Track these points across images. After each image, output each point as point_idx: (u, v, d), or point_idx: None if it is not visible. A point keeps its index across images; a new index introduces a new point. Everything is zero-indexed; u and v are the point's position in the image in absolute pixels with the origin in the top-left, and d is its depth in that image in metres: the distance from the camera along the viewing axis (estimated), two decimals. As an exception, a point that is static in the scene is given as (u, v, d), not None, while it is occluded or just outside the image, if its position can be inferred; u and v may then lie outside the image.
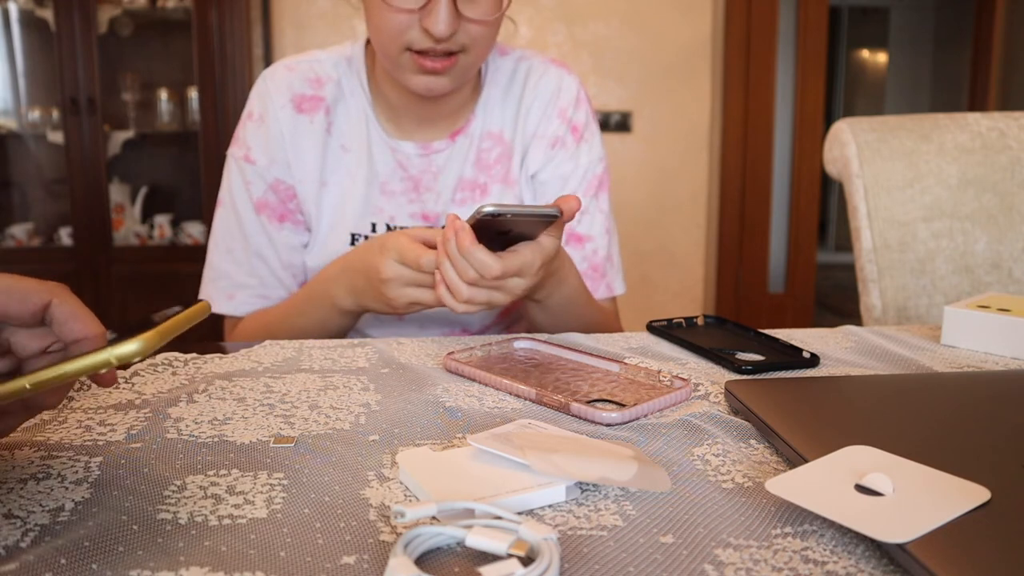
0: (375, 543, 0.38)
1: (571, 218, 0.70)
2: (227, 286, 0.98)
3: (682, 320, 0.82)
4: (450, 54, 0.87)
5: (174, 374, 0.64)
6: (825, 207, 7.26)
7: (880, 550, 0.37)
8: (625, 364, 0.64)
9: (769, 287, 3.51)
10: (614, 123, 3.17)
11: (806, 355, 0.69)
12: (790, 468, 0.47)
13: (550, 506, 0.41)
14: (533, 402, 0.58)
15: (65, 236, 2.93)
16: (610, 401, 0.57)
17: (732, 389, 0.57)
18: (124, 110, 2.94)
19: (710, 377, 0.65)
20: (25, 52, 3.04)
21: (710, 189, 3.31)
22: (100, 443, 0.49)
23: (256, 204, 0.97)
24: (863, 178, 1.15)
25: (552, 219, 0.68)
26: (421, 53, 0.86)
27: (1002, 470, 0.43)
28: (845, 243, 7.02)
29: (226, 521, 0.40)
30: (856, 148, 1.16)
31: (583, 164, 1.01)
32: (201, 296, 0.99)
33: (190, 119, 2.94)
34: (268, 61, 2.96)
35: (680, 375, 0.62)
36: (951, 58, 6.61)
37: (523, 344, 0.72)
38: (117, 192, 2.95)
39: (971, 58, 4.09)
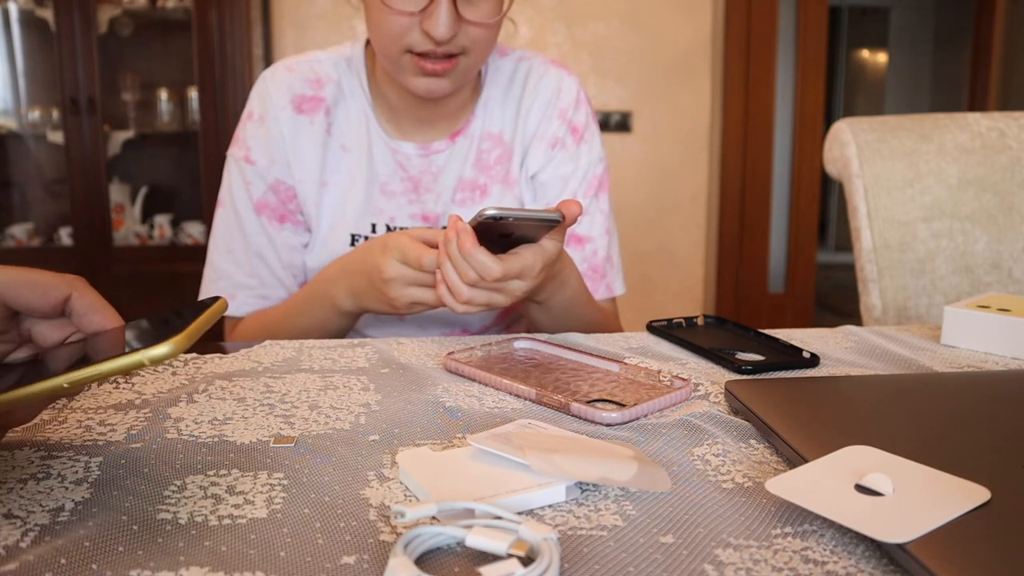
0: (375, 543, 0.38)
1: (572, 222, 0.70)
2: (227, 286, 0.98)
3: (682, 320, 0.82)
4: (450, 56, 0.87)
5: (174, 374, 0.64)
6: (825, 207, 7.26)
7: (880, 550, 0.37)
8: (625, 364, 0.64)
9: (769, 287, 3.51)
10: (614, 123, 3.18)
11: (806, 355, 0.69)
12: (790, 468, 0.47)
13: (550, 506, 0.41)
14: (533, 402, 0.58)
15: (65, 236, 2.93)
16: (610, 401, 0.57)
17: (732, 389, 0.57)
18: (124, 110, 2.94)
19: (710, 377, 0.65)
20: (25, 52, 3.05)
21: (710, 189, 3.31)
22: (100, 443, 0.49)
23: (256, 204, 0.97)
24: (863, 178, 1.15)
25: (554, 223, 0.68)
26: (421, 55, 0.86)
27: (1002, 470, 0.43)
28: (845, 243, 7.02)
29: (226, 521, 0.40)
30: (856, 148, 1.16)
31: (583, 165, 1.01)
32: (201, 295, 1.00)
33: (190, 119, 2.94)
34: (268, 61, 2.96)
35: (680, 375, 0.62)
36: (951, 58, 6.61)
37: (523, 344, 0.72)
38: (117, 192, 2.95)
39: (971, 58, 4.09)
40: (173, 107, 2.96)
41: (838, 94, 7.63)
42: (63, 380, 0.39)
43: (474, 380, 0.64)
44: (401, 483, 0.44)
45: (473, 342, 0.75)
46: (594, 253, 1.02)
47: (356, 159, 0.98)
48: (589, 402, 0.55)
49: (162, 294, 2.81)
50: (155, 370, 0.65)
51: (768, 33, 3.29)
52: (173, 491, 0.43)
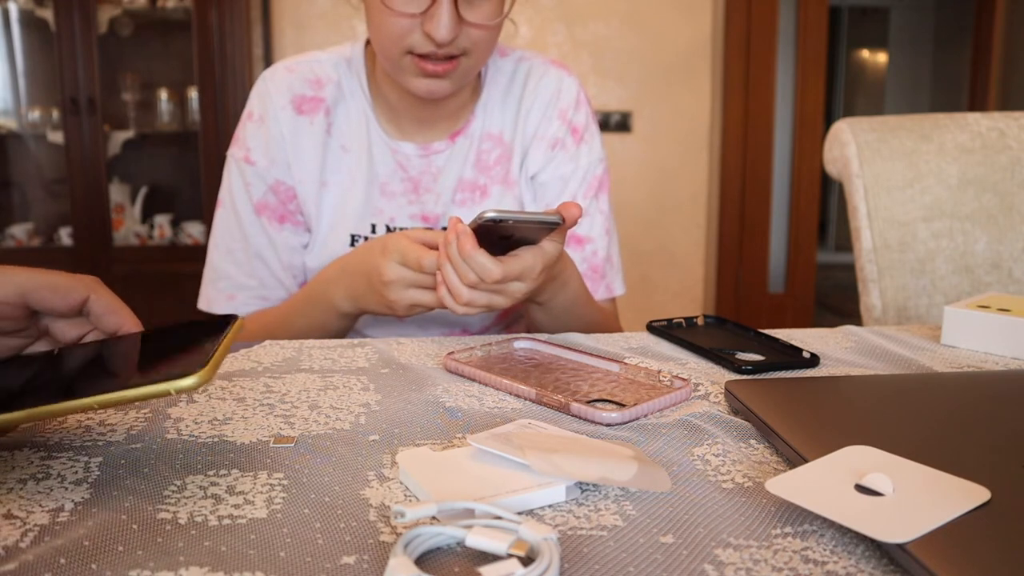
0: (375, 543, 0.38)
1: (573, 224, 0.70)
2: (227, 287, 0.98)
3: (682, 320, 0.82)
4: (451, 57, 0.87)
5: (174, 374, 0.64)
6: (825, 207, 7.26)
7: (880, 550, 0.37)
8: (625, 364, 0.64)
9: (769, 287, 3.51)
10: (614, 123, 3.18)
11: (806, 355, 0.69)
12: (790, 468, 0.47)
13: (550, 506, 0.41)
14: (533, 402, 0.58)
15: (65, 236, 2.93)
16: (610, 401, 0.57)
17: (732, 389, 0.57)
18: (124, 110, 2.94)
19: (710, 377, 0.65)
20: (25, 52, 3.05)
21: (710, 189, 3.31)
22: (100, 443, 0.49)
23: (256, 205, 0.97)
24: (863, 178, 1.15)
25: (554, 226, 0.68)
26: (422, 56, 0.86)
27: (1002, 470, 0.43)
28: (845, 243, 7.02)
29: (226, 521, 0.40)
30: (856, 148, 1.16)
31: (583, 165, 1.01)
32: (201, 296, 1.00)
33: (190, 119, 2.94)
34: (268, 61, 2.96)
35: (680, 375, 0.62)
36: (951, 58, 6.61)
37: (523, 344, 0.72)
38: (117, 192, 2.95)
39: (971, 58, 4.09)
40: (173, 107, 2.96)
41: (838, 94, 7.63)
42: (94, 402, 0.42)
43: (474, 380, 0.64)
44: (401, 483, 0.44)
45: (473, 342, 0.75)
46: (594, 254, 1.02)
47: (356, 159, 0.98)
48: (589, 402, 0.55)
49: (162, 294, 2.81)
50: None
51: (768, 33, 3.29)
52: (173, 491, 0.43)
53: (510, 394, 0.60)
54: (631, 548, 0.37)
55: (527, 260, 0.70)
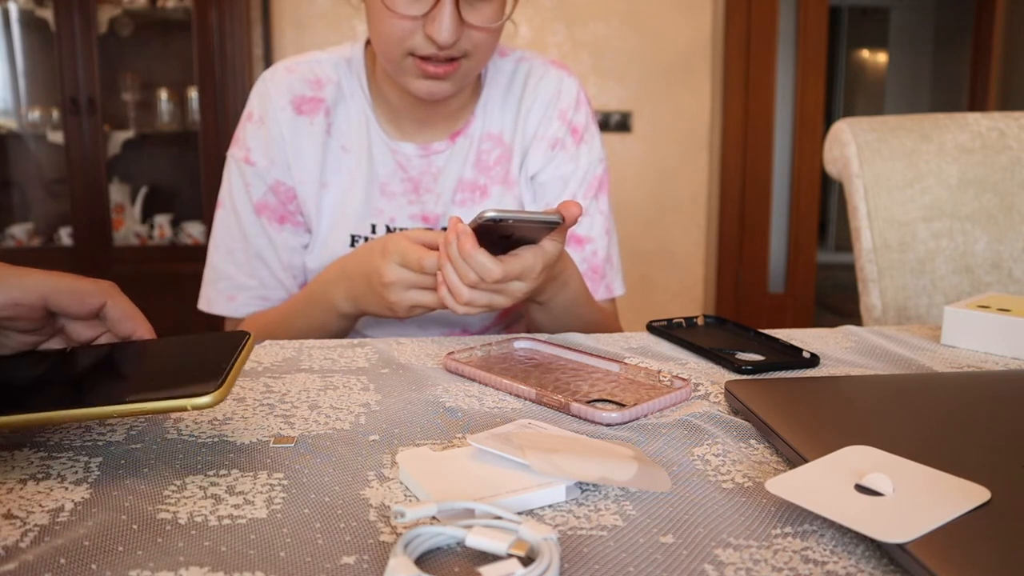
0: (375, 543, 0.38)
1: (573, 224, 0.70)
2: (227, 287, 0.98)
3: (682, 320, 0.82)
4: (452, 59, 0.87)
5: (174, 374, 0.64)
6: (825, 207, 7.26)
7: (880, 550, 0.37)
8: (625, 364, 0.64)
9: (769, 287, 3.51)
10: (614, 123, 3.18)
11: (806, 355, 0.69)
12: (790, 468, 0.47)
13: (550, 506, 0.41)
14: (533, 402, 0.58)
15: (65, 236, 2.93)
16: (610, 401, 0.57)
17: (732, 389, 0.57)
18: (124, 110, 2.94)
19: (710, 377, 0.65)
20: (25, 52, 3.05)
21: (710, 189, 3.31)
22: (100, 443, 0.49)
23: (256, 206, 0.97)
24: (863, 178, 1.15)
25: (554, 225, 0.68)
26: (424, 58, 0.86)
27: (1002, 470, 0.43)
28: (845, 243, 7.02)
29: (226, 521, 0.40)
30: (856, 148, 1.16)
31: (583, 165, 1.01)
32: (201, 297, 1.00)
33: (190, 119, 2.94)
34: (268, 61, 2.96)
35: (680, 375, 0.62)
36: (951, 58, 6.61)
37: (523, 344, 0.72)
38: (117, 192, 2.95)
39: (971, 58, 4.09)
40: (173, 107, 2.96)
41: (838, 94, 7.63)
42: (113, 411, 0.44)
43: (474, 380, 0.64)
44: (401, 483, 0.44)
45: (473, 342, 0.75)
46: (594, 254, 1.02)
47: (356, 160, 0.98)
48: (589, 402, 0.55)
49: (162, 294, 2.81)
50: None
51: (768, 33, 3.29)
52: (173, 491, 0.43)
53: (510, 394, 0.60)
54: (631, 548, 0.37)
55: (527, 259, 0.70)
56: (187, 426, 0.52)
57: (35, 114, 2.98)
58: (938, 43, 6.97)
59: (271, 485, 0.44)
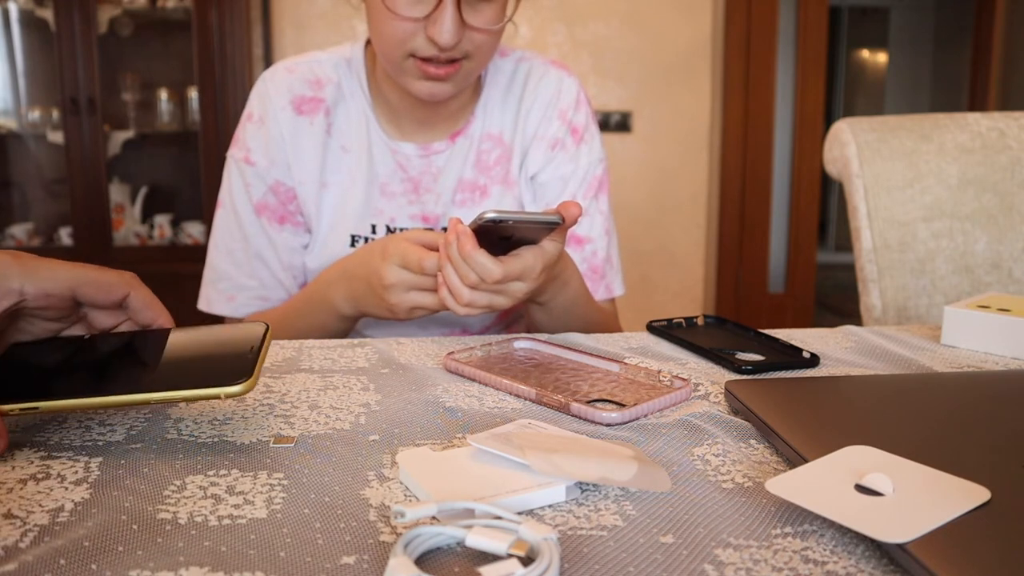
0: (375, 543, 0.38)
1: (573, 224, 0.70)
2: (227, 287, 0.98)
3: (682, 320, 0.82)
4: (453, 61, 0.87)
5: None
6: (825, 207, 7.26)
7: (880, 550, 0.37)
8: (625, 364, 0.64)
9: (769, 287, 3.52)
10: (614, 123, 3.18)
11: (806, 355, 0.69)
12: (790, 468, 0.47)
13: (550, 506, 0.41)
14: (533, 402, 0.58)
15: (65, 236, 2.93)
16: (610, 401, 0.57)
17: (732, 389, 0.57)
18: (124, 110, 2.94)
19: (710, 377, 0.65)
20: (25, 52, 3.05)
21: (710, 189, 3.31)
22: (100, 443, 0.49)
23: (256, 206, 0.97)
24: (863, 178, 1.15)
25: (553, 225, 0.68)
26: (425, 60, 0.86)
27: (1002, 470, 0.43)
28: (845, 243, 7.02)
29: (226, 521, 0.40)
30: (856, 148, 1.16)
31: (583, 165, 1.01)
32: (201, 297, 1.00)
33: (190, 119, 2.94)
34: (268, 61, 2.96)
35: (680, 375, 0.62)
36: (951, 58, 6.61)
37: (523, 344, 0.72)
38: (117, 192, 2.95)
39: (971, 58, 4.09)
40: (173, 107, 2.96)
41: (838, 94, 7.63)
42: (149, 397, 0.47)
43: (474, 380, 0.64)
44: (401, 483, 0.44)
45: (473, 342, 0.75)
46: (593, 254, 1.02)
47: (356, 160, 0.98)
48: (589, 402, 0.55)
49: (162, 294, 2.77)
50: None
51: (768, 33, 3.29)
52: (173, 491, 0.43)
53: (510, 394, 0.60)
54: (631, 548, 0.37)
55: (527, 260, 0.70)
56: (187, 426, 0.52)
57: (35, 114, 2.98)
58: (938, 43, 6.97)
59: (271, 485, 0.44)
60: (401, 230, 0.98)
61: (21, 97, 3.06)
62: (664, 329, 0.79)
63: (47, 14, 2.77)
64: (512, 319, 1.05)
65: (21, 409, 0.48)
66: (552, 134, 1.01)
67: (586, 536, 0.38)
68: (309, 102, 0.97)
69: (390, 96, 0.97)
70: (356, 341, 0.76)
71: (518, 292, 0.72)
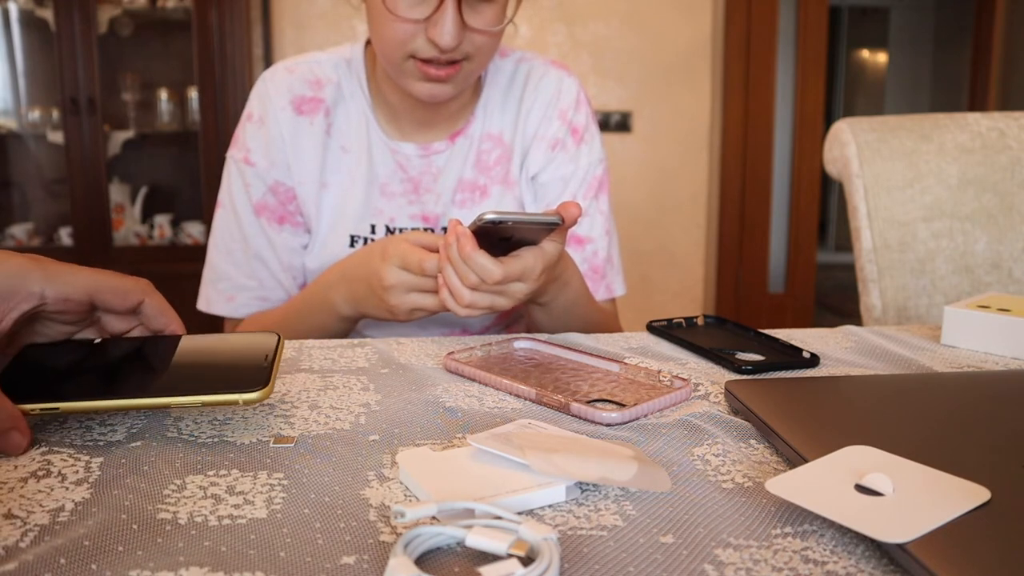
0: (375, 543, 0.38)
1: (573, 224, 0.70)
2: (227, 288, 0.98)
3: (682, 320, 0.82)
4: (454, 62, 0.87)
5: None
6: (825, 207, 7.26)
7: (880, 550, 0.37)
8: (625, 364, 0.64)
9: (769, 287, 3.52)
10: (614, 123, 3.18)
11: (806, 355, 0.69)
12: (790, 468, 0.47)
13: (550, 506, 0.41)
14: (533, 402, 0.58)
15: (65, 236, 2.93)
16: (610, 401, 0.57)
17: (732, 389, 0.57)
18: (124, 110, 2.94)
19: (710, 377, 0.65)
20: (25, 52, 3.04)
21: (710, 189, 3.31)
22: (100, 443, 0.49)
23: (256, 206, 0.97)
24: (863, 178, 1.15)
25: (553, 226, 0.68)
26: (425, 61, 0.86)
27: (1002, 470, 0.43)
28: (845, 243, 7.02)
29: (226, 521, 0.40)
30: (856, 148, 1.16)
31: (583, 166, 1.01)
32: (201, 297, 1.00)
33: (190, 119, 2.94)
34: (268, 61, 2.96)
35: (680, 375, 0.62)
36: (951, 58, 6.61)
37: (523, 344, 0.72)
38: (117, 192, 2.95)
39: (971, 58, 4.09)
40: (173, 107, 2.96)
41: (838, 94, 7.63)
42: (170, 401, 0.48)
43: (474, 380, 0.64)
44: (401, 483, 0.44)
45: (473, 342, 0.75)
46: (594, 254, 1.02)
47: (356, 160, 0.98)
48: (589, 402, 0.55)
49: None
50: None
51: (768, 33, 3.29)
52: (173, 491, 0.43)
53: (510, 394, 0.60)
54: (631, 548, 0.37)
55: (528, 261, 0.70)
56: (187, 426, 0.53)
57: (35, 114, 2.98)
58: (938, 43, 6.97)
59: (271, 485, 0.44)
60: (401, 230, 0.98)
61: (21, 97, 3.06)
62: (664, 329, 0.79)
63: (47, 14, 2.77)
64: (512, 319, 1.05)
65: (42, 409, 0.48)
66: (552, 134, 1.01)
67: (586, 536, 0.38)
68: (309, 102, 0.97)
69: (390, 96, 0.97)
70: (356, 341, 0.76)
71: (519, 293, 0.72)
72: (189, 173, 3.03)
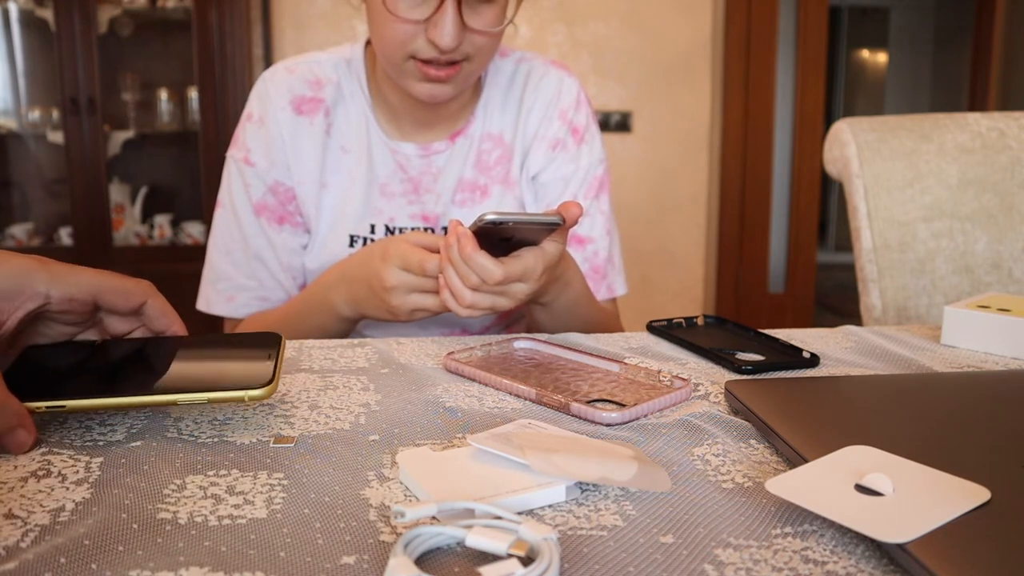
0: (375, 543, 0.38)
1: (573, 224, 0.70)
2: (227, 288, 0.98)
3: (682, 320, 0.82)
4: (454, 63, 0.87)
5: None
6: (825, 207, 7.26)
7: (880, 550, 0.37)
8: (625, 364, 0.64)
9: (769, 287, 3.52)
10: (614, 123, 3.18)
11: (806, 355, 0.69)
12: (790, 468, 0.47)
13: (550, 506, 0.41)
14: (533, 402, 0.58)
15: (65, 236, 2.93)
16: (610, 401, 0.57)
17: (732, 389, 0.57)
18: (124, 110, 2.94)
19: (710, 377, 0.65)
20: (25, 52, 3.04)
21: (710, 189, 3.31)
22: (100, 443, 0.49)
23: (255, 206, 0.97)
24: (863, 178, 1.15)
25: (554, 226, 0.68)
26: (425, 62, 0.86)
27: (1002, 470, 0.43)
28: (845, 243, 7.02)
29: (226, 521, 0.40)
30: (856, 148, 1.16)
31: (583, 166, 1.01)
32: (200, 297, 1.00)
33: (190, 119, 2.94)
34: (268, 61, 2.96)
35: (680, 375, 0.62)
36: (951, 58, 6.61)
37: (523, 344, 0.72)
38: (117, 192, 2.95)
39: (971, 58, 4.09)
40: (173, 107, 2.96)
41: (838, 94, 7.63)
42: (176, 398, 0.49)
43: (474, 380, 0.64)
44: (401, 483, 0.44)
45: (473, 342, 0.75)
46: (595, 254, 1.02)
47: (356, 160, 0.98)
48: (589, 402, 0.55)
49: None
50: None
51: (768, 33, 3.29)
52: (173, 491, 0.43)
53: (510, 394, 0.60)
54: (631, 548, 0.37)
55: (528, 261, 0.70)
56: (187, 426, 0.53)
57: (35, 114, 2.98)
58: (938, 43, 6.97)
59: (271, 485, 0.44)
60: (401, 230, 0.98)
61: (21, 97, 3.06)
62: (664, 329, 0.79)
63: (47, 14, 2.77)
64: (512, 319, 1.05)
65: (48, 407, 0.48)
66: (553, 134, 1.01)
67: (586, 536, 0.38)
68: (309, 102, 0.97)
69: (390, 96, 0.97)
70: (356, 341, 0.76)
71: (520, 293, 0.72)
72: (189, 173, 3.03)
